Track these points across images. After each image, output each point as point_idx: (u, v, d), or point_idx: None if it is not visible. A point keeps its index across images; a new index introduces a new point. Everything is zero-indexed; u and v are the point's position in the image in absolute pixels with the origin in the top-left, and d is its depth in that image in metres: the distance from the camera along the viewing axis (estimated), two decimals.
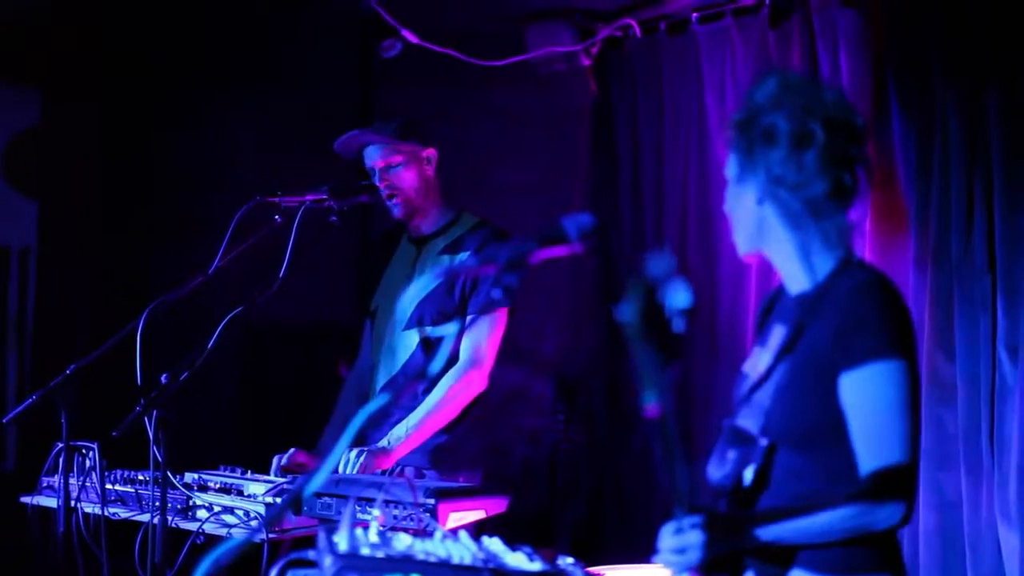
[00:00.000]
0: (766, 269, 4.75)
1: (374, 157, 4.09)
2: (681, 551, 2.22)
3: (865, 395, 2.31)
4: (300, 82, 5.54)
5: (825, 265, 2.43)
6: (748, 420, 2.45)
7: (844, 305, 2.34)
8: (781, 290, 2.58)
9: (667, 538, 2.25)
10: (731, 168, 2.47)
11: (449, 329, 3.99)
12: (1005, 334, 4.04)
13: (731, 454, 2.44)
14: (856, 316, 2.32)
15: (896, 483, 2.29)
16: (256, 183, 3.89)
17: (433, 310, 3.99)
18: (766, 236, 2.45)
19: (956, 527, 4.15)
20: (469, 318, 3.95)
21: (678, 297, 2.10)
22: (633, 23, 5.20)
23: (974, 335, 4.11)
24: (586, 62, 5.34)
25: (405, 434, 3.89)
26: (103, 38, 5.25)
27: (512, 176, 5.39)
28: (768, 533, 2.29)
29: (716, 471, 2.47)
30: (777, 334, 2.48)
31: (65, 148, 5.19)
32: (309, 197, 3.82)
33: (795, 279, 2.47)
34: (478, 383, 3.98)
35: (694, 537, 2.21)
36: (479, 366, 3.95)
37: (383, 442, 3.88)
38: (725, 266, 4.96)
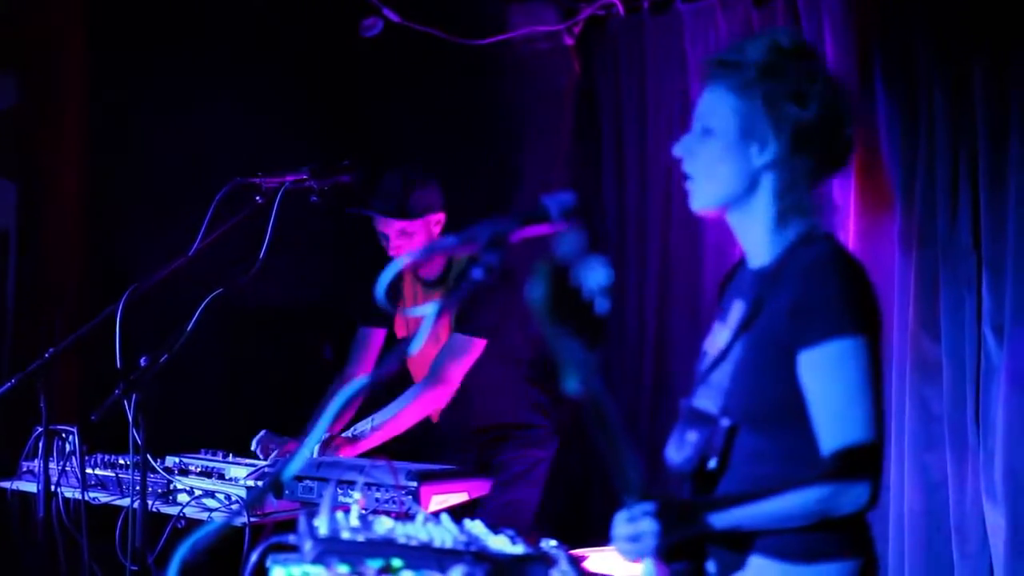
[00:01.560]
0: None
1: (383, 225, 4.14)
2: (635, 539, 2.15)
3: (825, 374, 2.22)
4: (284, 63, 5.50)
5: (788, 236, 2.36)
6: (707, 400, 2.38)
7: (802, 280, 2.26)
8: (741, 263, 2.52)
9: (620, 526, 2.17)
10: (724, 118, 2.38)
11: (427, 310, 4.03)
12: (990, 313, 4.04)
13: (690, 436, 2.36)
14: (814, 292, 2.24)
15: (860, 463, 2.19)
16: (239, 165, 3.86)
17: None
18: (749, 201, 2.39)
19: (942, 507, 4.15)
20: (453, 335, 4.07)
21: (595, 275, 2.02)
22: (616, 2, 5.17)
23: (959, 314, 4.10)
24: (569, 41, 5.30)
25: (371, 430, 3.97)
26: (85, 17, 5.20)
27: (494, 156, 5.36)
28: (726, 519, 2.21)
29: (676, 454, 2.38)
30: (736, 310, 2.41)
31: (45, 129, 5.14)
32: (289, 177, 3.79)
33: (759, 251, 2.40)
34: (440, 400, 4.13)
35: (647, 525, 2.14)
36: (444, 385, 4.09)
37: (348, 433, 3.93)
38: (709, 248, 4.95)
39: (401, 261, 2.12)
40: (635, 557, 2.18)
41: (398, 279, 4.31)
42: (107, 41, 5.20)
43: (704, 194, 2.45)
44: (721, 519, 2.22)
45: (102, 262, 5.14)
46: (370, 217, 4.12)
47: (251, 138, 5.18)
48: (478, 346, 4.11)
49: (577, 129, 5.42)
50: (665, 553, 2.17)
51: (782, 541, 2.25)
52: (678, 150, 2.47)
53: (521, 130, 5.43)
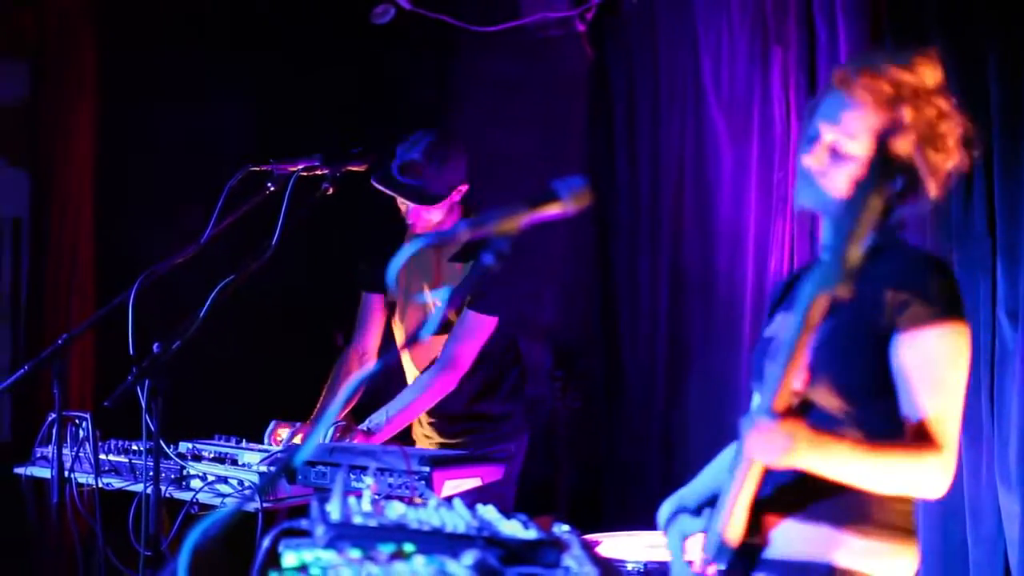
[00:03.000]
0: (762, 238, 4.75)
1: (403, 199, 4.11)
2: (766, 447, 2.27)
3: (926, 355, 2.35)
4: (296, 52, 5.50)
5: (873, 236, 2.36)
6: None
7: (901, 272, 2.38)
8: (811, 265, 2.57)
9: (760, 428, 2.28)
10: (867, 147, 2.42)
11: (439, 297, 4.05)
12: (1005, 298, 4.02)
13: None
14: (915, 283, 2.37)
15: (949, 457, 2.33)
16: (249, 153, 3.86)
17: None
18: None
19: (956, 492, 4.14)
20: (464, 312, 4.02)
21: None
22: None
23: (974, 299, 4.09)
24: (581, 27, 5.29)
25: (385, 421, 3.94)
26: (97, 8, 5.20)
27: (507, 143, 5.35)
28: (843, 454, 2.31)
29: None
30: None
31: (57, 119, 5.15)
32: (301, 165, 3.78)
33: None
34: (449, 384, 4.06)
35: (782, 440, 2.25)
36: (454, 369, 4.04)
37: (364, 426, 3.91)
38: (722, 234, 4.94)
39: (415, 245, 2.12)
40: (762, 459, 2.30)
41: (419, 255, 4.29)
42: (119, 32, 5.21)
43: (815, 200, 2.51)
44: (840, 454, 2.31)
45: (114, 250, 5.15)
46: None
47: (262, 126, 5.19)
48: (490, 324, 4.06)
49: (590, 114, 5.42)
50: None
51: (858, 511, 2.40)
52: (809, 162, 2.49)
53: (534, 116, 5.43)
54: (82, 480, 3.74)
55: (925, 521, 4.19)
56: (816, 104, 2.53)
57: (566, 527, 1.94)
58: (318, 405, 4.17)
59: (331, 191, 3.85)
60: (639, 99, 5.25)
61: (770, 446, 2.27)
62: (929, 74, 2.45)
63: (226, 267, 3.45)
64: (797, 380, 2.37)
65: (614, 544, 3.74)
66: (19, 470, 4.00)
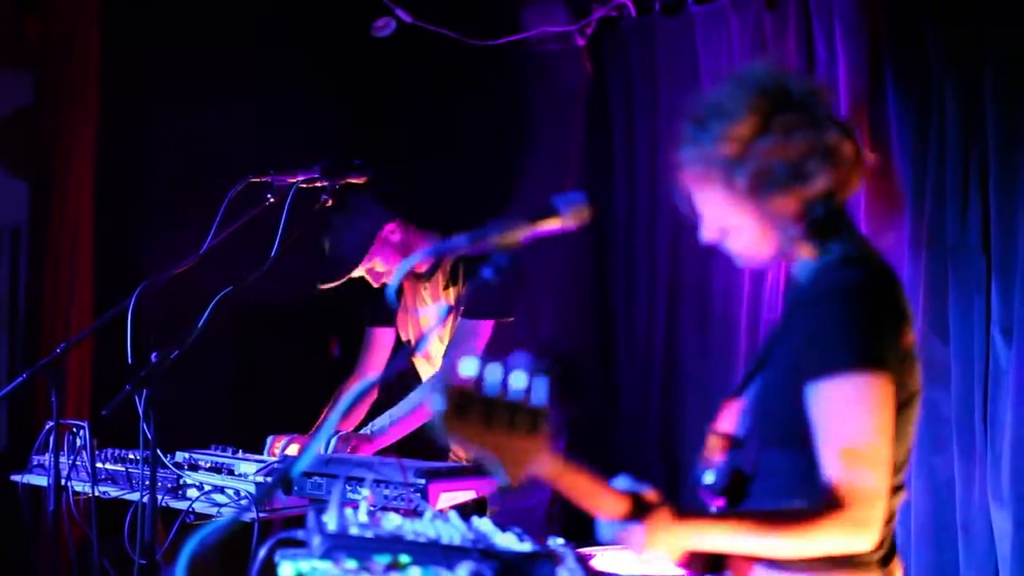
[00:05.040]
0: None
1: (350, 277, 4.14)
2: (632, 545, 2.11)
3: (825, 411, 2.16)
4: (297, 63, 5.52)
5: (828, 258, 2.31)
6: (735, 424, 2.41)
7: (818, 306, 2.22)
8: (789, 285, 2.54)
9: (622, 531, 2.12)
10: (734, 216, 2.33)
11: (436, 311, 4.06)
12: (999, 316, 4.04)
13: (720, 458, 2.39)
14: (824, 320, 2.19)
15: (862, 512, 2.12)
16: (250, 163, 3.87)
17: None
18: (792, 245, 2.35)
19: (949, 509, 4.15)
20: (459, 321, 4.01)
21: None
22: (628, 3, 5.17)
23: (968, 317, 4.10)
24: (581, 42, 5.31)
25: (389, 424, 3.93)
26: (99, 16, 5.22)
27: (505, 157, 5.37)
28: (724, 536, 2.14)
29: (708, 474, 2.40)
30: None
31: (57, 127, 5.16)
32: (301, 176, 3.80)
33: (803, 272, 2.38)
34: None
35: (638, 537, 2.09)
36: None
37: (366, 430, 3.92)
38: (720, 251, 4.95)
39: (409, 262, 2.13)
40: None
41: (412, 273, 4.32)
42: (120, 40, 5.22)
43: (753, 262, 2.44)
44: (720, 537, 2.15)
45: (113, 259, 5.16)
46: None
47: (263, 136, 5.20)
48: (485, 328, 4.05)
49: (588, 130, 5.43)
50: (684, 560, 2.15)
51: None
52: (707, 241, 2.42)
53: (532, 130, 5.44)
54: (79, 488, 3.75)
55: (917, 538, 4.20)
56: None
57: (560, 540, 1.94)
58: (319, 420, 4.18)
59: (331, 203, 3.87)
60: (637, 114, 5.26)
61: (632, 543, 2.11)
62: (742, 126, 2.27)
63: (225, 277, 3.46)
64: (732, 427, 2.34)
65: (608, 558, 3.74)
66: (16, 478, 4.01)
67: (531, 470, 1.88)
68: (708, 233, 2.41)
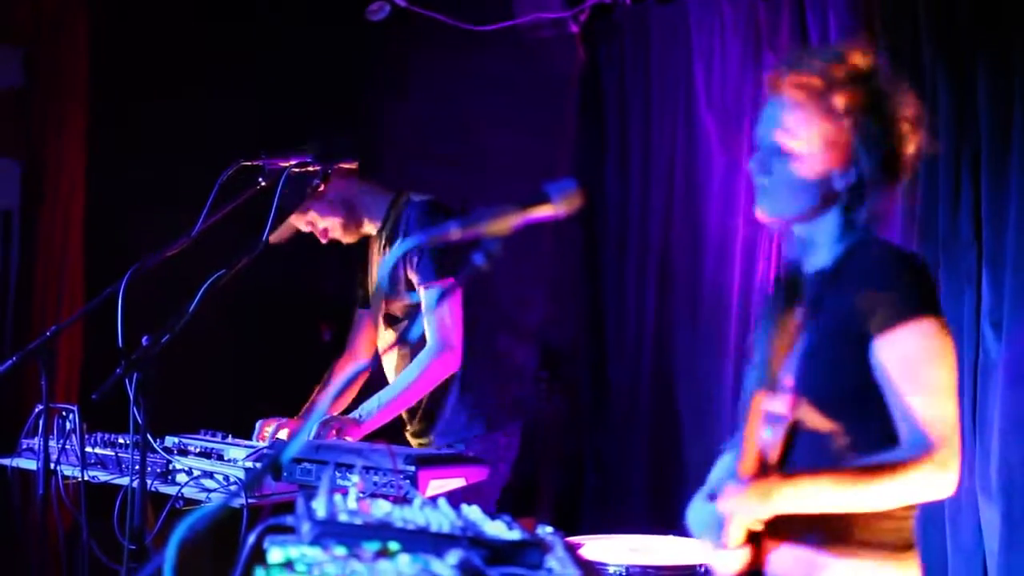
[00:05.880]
0: (749, 244, 4.77)
1: (302, 223, 4.12)
2: (741, 508, 2.29)
3: (904, 355, 2.29)
4: (289, 45, 5.50)
5: (848, 241, 2.41)
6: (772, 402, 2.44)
7: (869, 272, 2.34)
8: (790, 272, 2.56)
9: (730, 493, 2.31)
10: (808, 142, 2.40)
11: (415, 299, 4.04)
12: (990, 309, 4.04)
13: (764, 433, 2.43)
14: (884, 282, 2.32)
15: (949, 451, 2.28)
16: (241, 145, 3.86)
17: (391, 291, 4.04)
18: (821, 215, 2.43)
19: (936, 502, 4.15)
20: (425, 293, 3.92)
21: None
22: None
23: (959, 309, 4.11)
24: (574, 28, 5.30)
25: (377, 408, 3.88)
26: None
27: (498, 142, 5.36)
28: (826, 490, 2.28)
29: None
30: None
31: (49, 109, 5.14)
32: (292, 160, 3.79)
33: (820, 255, 2.45)
34: (451, 364, 3.93)
35: (754, 501, 2.28)
36: (450, 348, 3.89)
37: (355, 414, 3.88)
38: (711, 239, 4.95)
39: (405, 246, 2.12)
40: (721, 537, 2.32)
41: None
42: (111, 21, 5.20)
43: (777, 209, 2.47)
44: (823, 492, 2.28)
45: (104, 241, 5.15)
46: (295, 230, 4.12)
47: (254, 119, 5.18)
48: (447, 285, 3.88)
49: (581, 116, 5.42)
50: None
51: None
52: (753, 166, 2.48)
53: (524, 116, 5.44)
54: (68, 472, 3.74)
55: None
56: (757, 118, 2.52)
57: (549, 529, 1.95)
58: (308, 403, 4.16)
59: (322, 187, 3.86)
60: (630, 101, 5.25)
61: (744, 507, 2.29)
62: (860, 59, 2.42)
63: (216, 261, 3.45)
64: (783, 407, 2.39)
65: (597, 546, 3.75)
66: (5, 461, 4.00)
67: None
68: (761, 160, 2.46)
